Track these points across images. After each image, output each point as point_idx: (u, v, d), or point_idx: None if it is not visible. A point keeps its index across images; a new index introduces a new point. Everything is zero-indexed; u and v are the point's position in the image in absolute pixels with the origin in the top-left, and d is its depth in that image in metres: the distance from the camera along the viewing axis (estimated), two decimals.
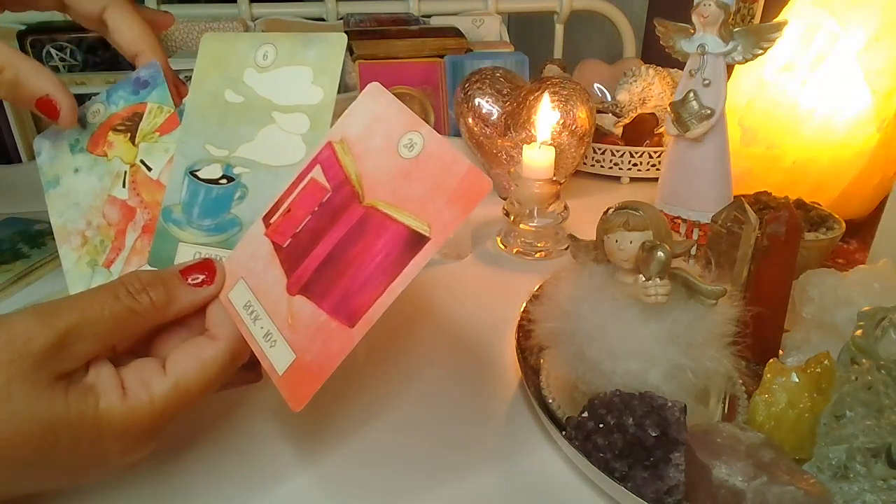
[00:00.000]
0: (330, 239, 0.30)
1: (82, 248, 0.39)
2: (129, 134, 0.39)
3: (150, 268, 0.36)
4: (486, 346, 0.46)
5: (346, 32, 0.82)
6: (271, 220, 0.32)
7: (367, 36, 0.77)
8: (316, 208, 0.31)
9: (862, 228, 0.60)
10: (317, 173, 0.31)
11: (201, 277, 0.31)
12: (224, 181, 0.36)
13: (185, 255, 0.36)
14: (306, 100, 0.35)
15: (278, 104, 0.35)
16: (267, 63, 0.36)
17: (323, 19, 0.94)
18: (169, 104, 0.38)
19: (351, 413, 0.40)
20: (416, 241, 0.27)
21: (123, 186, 0.38)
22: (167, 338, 0.31)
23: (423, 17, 0.93)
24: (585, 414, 0.34)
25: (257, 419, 0.39)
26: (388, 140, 0.29)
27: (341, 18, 0.92)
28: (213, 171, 0.36)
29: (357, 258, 0.29)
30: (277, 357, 0.30)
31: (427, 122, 0.77)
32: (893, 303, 0.36)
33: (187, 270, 0.31)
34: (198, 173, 0.36)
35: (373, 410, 0.40)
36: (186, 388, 0.29)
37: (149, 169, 0.38)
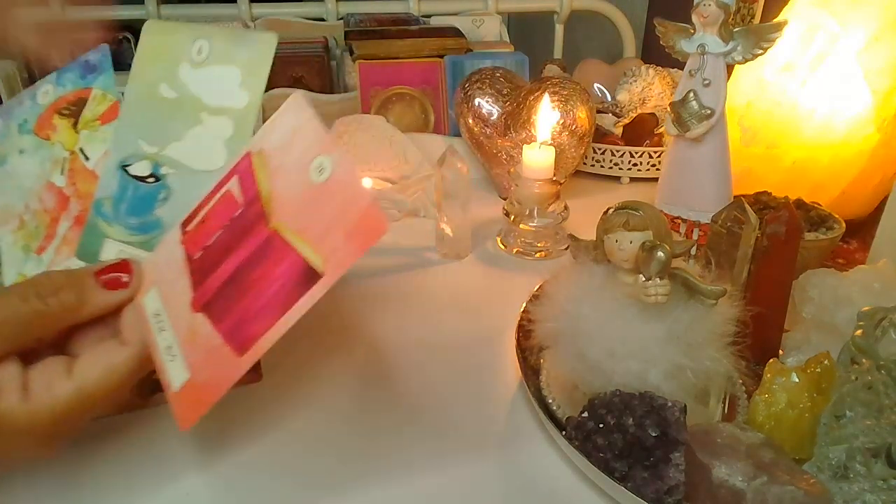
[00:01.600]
0: (235, 258, 0.28)
1: (19, 232, 0.38)
2: (72, 119, 0.37)
3: (77, 260, 0.35)
4: (486, 346, 0.46)
5: (346, 32, 0.82)
6: (188, 228, 0.31)
7: (367, 36, 0.78)
8: (228, 222, 0.29)
9: (862, 228, 0.60)
10: (233, 185, 0.30)
11: (116, 278, 0.31)
12: (151, 180, 0.34)
13: (110, 252, 0.34)
14: (233, 102, 0.33)
15: (207, 104, 0.34)
16: (201, 59, 0.34)
17: (323, 19, 0.94)
18: (114, 92, 0.37)
19: (350, 413, 0.40)
20: (310, 275, 0.26)
21: (62, 174, 0.37)
22: (84, 335, 0.31)
23: (423, 17, 0.93)
24: (585, 414, 0.34)
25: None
26: (300, 159, 0.27)
27: (341, 18, 0.92)
28: (142, 168, 0.34)
29: (256, 283, 0.27)
30: (174, 373, 0.29)
31: (427, 122, 0.77)
32: (893, 303, 0.36)
33: (103, 271, 0.30)
34: (129, 168, 0.34)
35: (372, 410, 0.40)
36: (90, 393, 0.28)
37: (87, 158, 0.36)
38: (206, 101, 0.34)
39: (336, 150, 0.27)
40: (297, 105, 0.29)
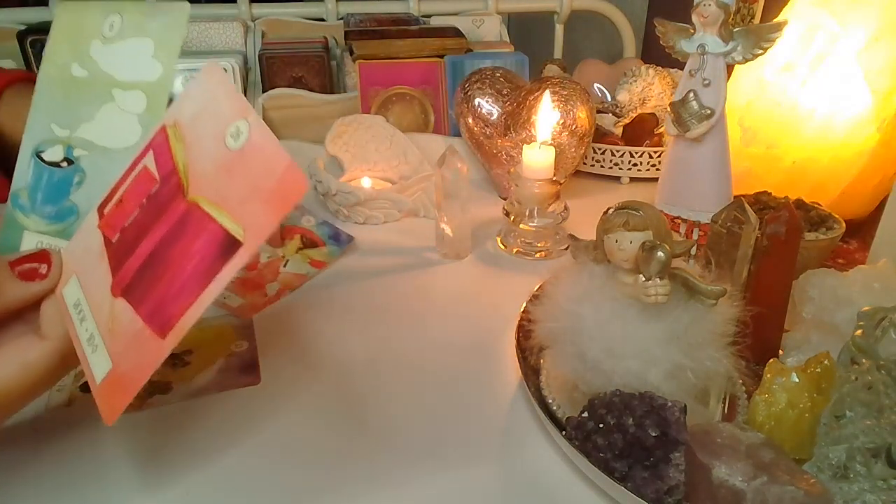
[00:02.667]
0: (153, 236, 0.27)
1: None
2: None
3: None
4: (486, 346, 0.46)
5: (346, 32, 0.82)
6: (105, 211, 0.29)
7: (367, 36, 0.78)
8: (144, 200, 0.28)
9: (862, 228, 0.60)
10: (149, 160, 0.28)
11: (33, 269, 0.29)
12: (65, 164, 0.33)
13: (29, 244, 0.33)
14: (145, 76, 0.31)
15: (118, 80, 0.32)
16: (112, 34, 0.32)
17: (323, 19, 0.94)
18: None
19: (350, 413, 0.40)
20: (230, 245, 0.25)
21: None
22: (0, 335, 0.29)
23: (423, 17, 0.93)
24: (585, 414, 0.34)
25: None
26: (216, 127, 0.26)
27: (341, 18, 0.92)
28: (55, 154, 0.33)
29: (176, 261, 0.26)
30: (97, 364, 0.27)
31: (427, 122, 0.77)
32: (893, 303, 0.36)
33: (18, 261, 0.29)
34: (42, 155, 0.33)
35: (372, 410, 0.40)
36: (5, 392, 0.27)
37: None
38: (117, 76, 0.32)
39: (251, 114, 0.26)
40: (209, 72, 0.28)
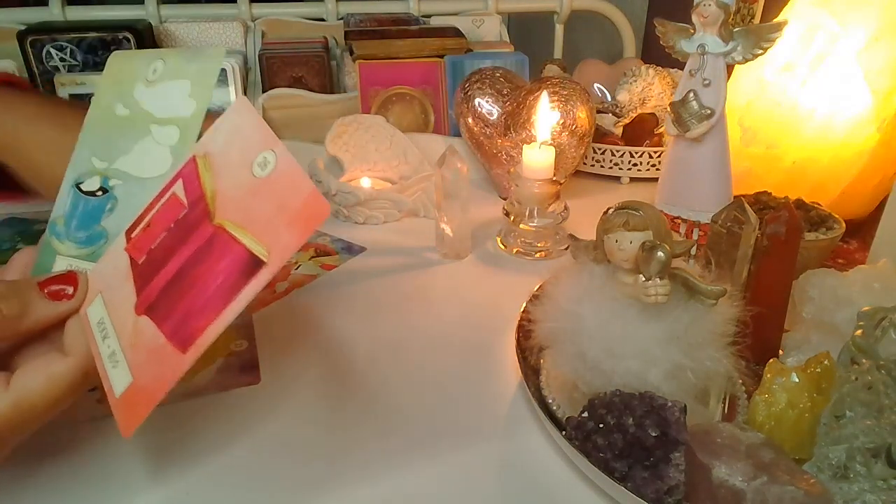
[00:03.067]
0: (179, 257, 0.29)
1: None
2: None
3: None
4: (486, 346, 0.46)
5: (346, 32, 0.82)
6: (132, 235, 0.31)
7: (367, 36, 0.78)
8: (172, 224, 0.30)
9: (862, 228, 0.60)
10: (178, 188, 0.31)
11: (61, 290, 0.30)
12: (100, 193, 0.35)
13: (60, 267, 0.35)
14: (180, 112, 0.34)
15: (157, 117, 0.35)
16: (155, 77, 0.36)
17: (323, 19, 0.94)
18: None
19: (349, 412, 0.40)
20: (254, 265, 0.26)
21: None
22: (24, 351, 0.30)
23: (423, 17, 0.93)
24: (585, 414, 0.34)
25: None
26: (243, 156, 0.28)
27: (341, 18, 0.92)
28: (92, 184, 0.35)
29: (200, 279, 0.28)
30: (117, 379, 0.29)
31: (427, 122, 0.77)
32: (893, 303, 0.36)
33: (46, 282, 0.30)
34: (81, 185, 0.36)
35: (372, 409, 0.40)
36: (30, 405, 0.27)
37: None
38: (156, 114, 0.35)
39: (279, 144, 0.28)
40: (239, 107, 0.30)
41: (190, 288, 0.28)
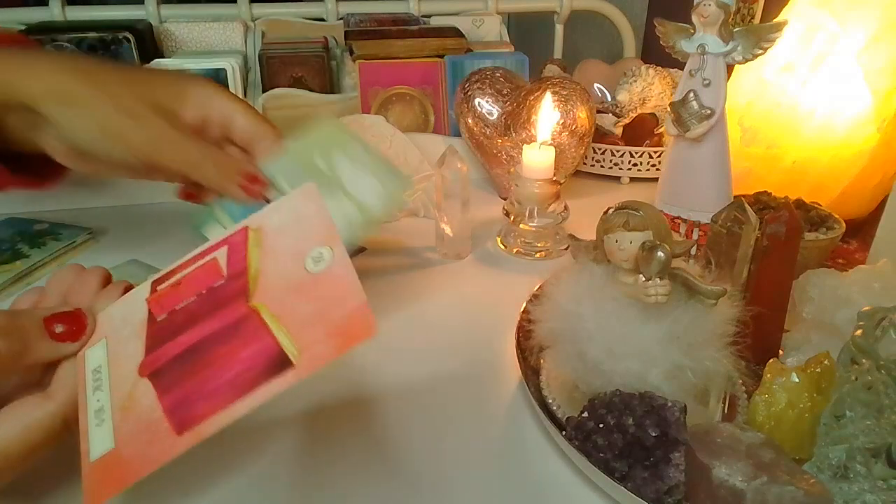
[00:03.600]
0: (202, 329, 0.26)
1: None
2: None
3: None
4: (486, 346, 0.46)
5: (346, 32, 0.82)
6: (158, 287, 0.29)
7: (367, 36, 0.77)
8: (204, 291, 0.27)
9: (862, 228, 0.60)
10: (220, 254, 0.28)
11: (66, 330, 0.29)
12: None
13: (212, 232, 0.41)
14: (367, 199, 0.40)
15: (347, 189, 0.40)
16: (356, 160, 0.41)
17: (323, 19, 0.94)
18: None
19: (349, 413, 0.40)
20: (280, 363, 0.24)
21: None
22: (12, 393, 0.28)
23: (423, 17, 0.93)
24: (585, 414, 0.34)
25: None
26: (298, 245, 0.27)
27: (341, 18, 0.92)
28: (272, 195, 0.41)
29: (219, 360, 0.25)
30: (97, 440, 0.26)
31: (427, 122, 0.77)
32: (893, 303, 0.35)
33: (52, 319, 0.29)
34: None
35: (372, 410, 0.40)
36: (5, 453, 0.26)
37: None
38: (347, 186, 0.40)
39: (338, 244, 0.26)
40: (307, 192, 0.29)
41: (205, 366, 0.25)
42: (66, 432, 0.28)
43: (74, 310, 0.29)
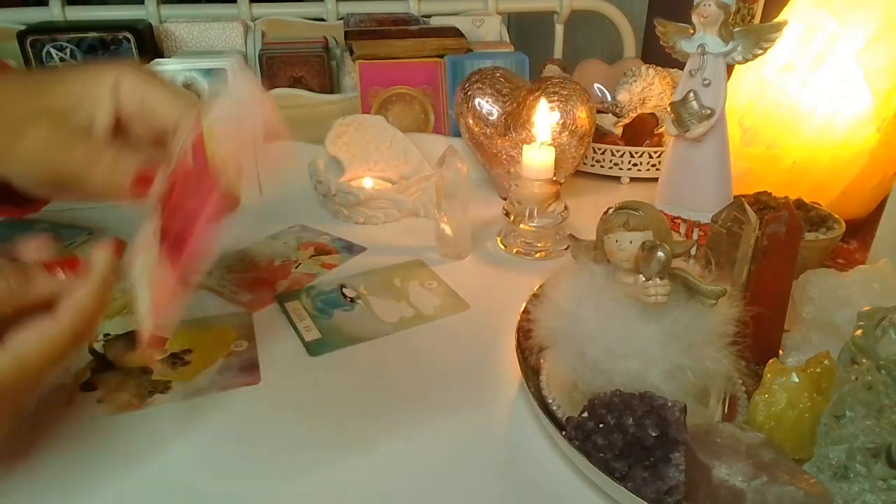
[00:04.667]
0: (185, 212, 0.34)
1: None
2: None
3: None
4: (487, 346, 0.46)
5: (346, 32, 0.82)
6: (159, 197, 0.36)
7: (367, 36, 0.77)
8: (184, 182, 0.35)
9: (862, 228, 0.60)
10: (187, 156, 0.35)
11: (64, 271, 0.33)
12: None
13: None
14: None
15: None
16: None
17: (323, 19, 0.94)
18: None
19: (349, 412, 0.40)
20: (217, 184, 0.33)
21: None
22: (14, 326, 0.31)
23: (423, 17, 0.93)
24: (585, 414, 0.34)
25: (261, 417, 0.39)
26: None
27: (341, 18, 0.92)
28: None
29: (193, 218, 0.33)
30: (141, 302, 0.34)
31: (427, 122, 0.77)
32: (893, 303, 0.35)
33: (51, 263, 0.32)
34: None
35: (372, 409, 0.40)
36: (26, 362, 0.29)
37: None
38: None
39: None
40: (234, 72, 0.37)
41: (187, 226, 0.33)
42: (75, 345, 0.32)
43: (72, 258, 0.33)
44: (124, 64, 0.39)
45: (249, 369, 0.43)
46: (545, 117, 0.58)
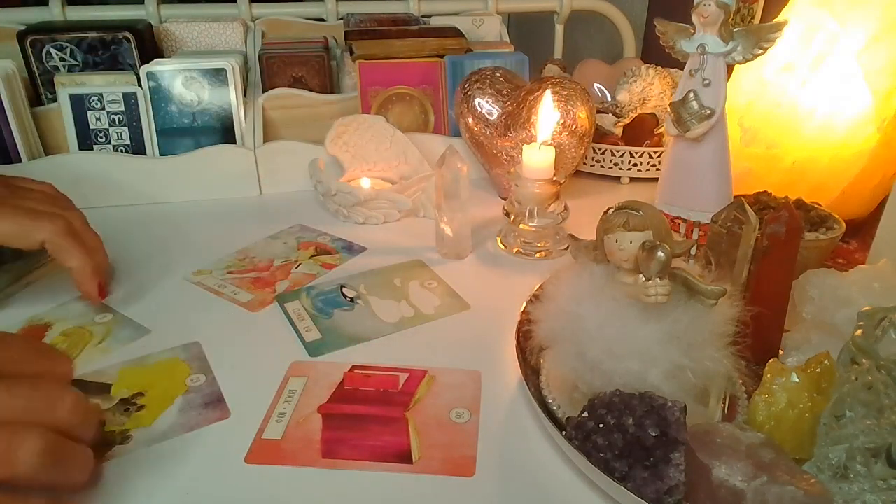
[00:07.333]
0: (369, 409, 0.40)
1: None
2: None
3: None
4: (487, 346, 0.46)
5: (346, 32, 0.82)
6: (356, 370, 0.43)
7: (367, 36, 0.77)
8: (381, 389, 0.41)
9: (862, 228, 0.60)
10: (403, 376, 0.43)
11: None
12: None
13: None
14: None
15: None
16: None
17: (323, 19, 0.94)
18: None
19: None
20: (404, 457, 0.36)
21: None
22: None
23: (423, 17, 0.93)
24: (585, 414, 0.34)
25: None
26: (451, 403, 0.41)
27: (341, 18, 0.92)
28: None
29: (369, 432, 0.38)
30: (272, 429, 0.38)
31: (427, 122, 0.77)
32: (893, 303, 0.35)
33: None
34: None
35: None
36: None
37: None
38: None
39: (478, 411, 0.39)
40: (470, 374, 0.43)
41: (359, 430, 0.38)
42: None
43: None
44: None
45: (214, 403, 0.40)
46: (545, 117, 0.58)
